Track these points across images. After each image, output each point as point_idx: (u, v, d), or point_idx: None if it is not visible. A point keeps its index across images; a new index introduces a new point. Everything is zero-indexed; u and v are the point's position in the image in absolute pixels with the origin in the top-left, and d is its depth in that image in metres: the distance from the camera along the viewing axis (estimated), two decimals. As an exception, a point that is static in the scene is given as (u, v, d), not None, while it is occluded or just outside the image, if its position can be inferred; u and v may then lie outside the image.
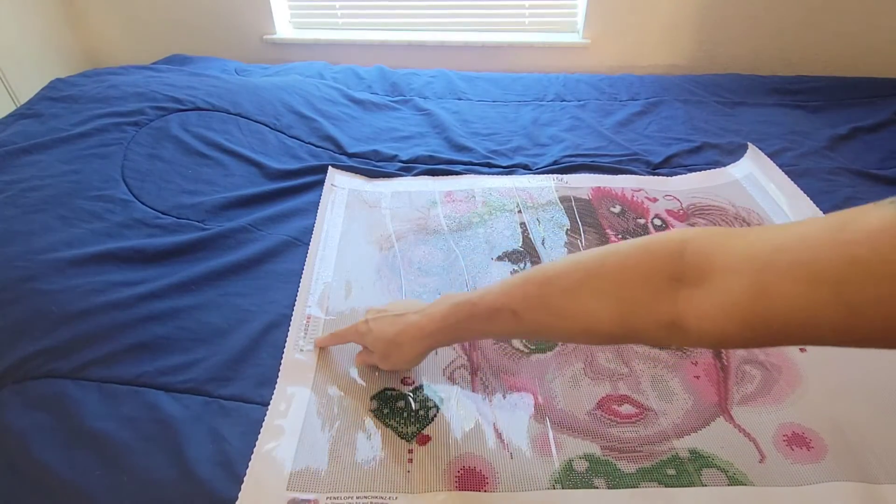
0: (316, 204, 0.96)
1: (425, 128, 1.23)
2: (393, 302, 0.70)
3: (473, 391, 0.66)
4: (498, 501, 0.55)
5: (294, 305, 0.76)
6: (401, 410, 0.64)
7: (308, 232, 0.90)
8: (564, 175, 1.05)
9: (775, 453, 0.59)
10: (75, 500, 0.55)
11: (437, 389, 0.66)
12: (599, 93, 1.40)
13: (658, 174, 1.07)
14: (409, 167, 1.08)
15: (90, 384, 0.63)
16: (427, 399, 0.65)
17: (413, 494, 0.55)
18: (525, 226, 0.92)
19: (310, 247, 0.86)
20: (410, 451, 0.59)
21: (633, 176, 1.05)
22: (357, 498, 0.55)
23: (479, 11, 1.76)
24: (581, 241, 0.89)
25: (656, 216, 0.95)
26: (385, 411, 0.64)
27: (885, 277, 0.29)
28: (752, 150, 1.09)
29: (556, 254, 0.87)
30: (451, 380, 0.67)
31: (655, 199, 0.98)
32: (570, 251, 0.87)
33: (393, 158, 1.11)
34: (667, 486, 0.56)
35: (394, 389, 0.66)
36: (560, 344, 0.72)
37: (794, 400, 0.65)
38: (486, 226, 0.93)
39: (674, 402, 0.64)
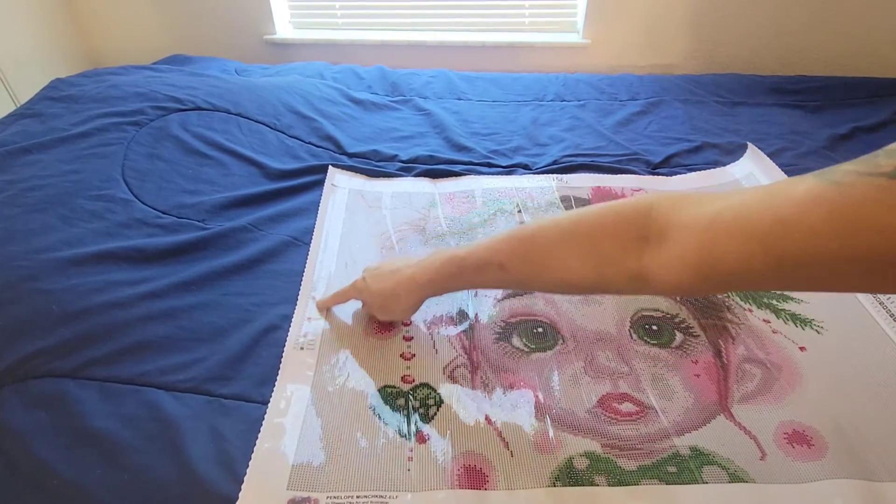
0: (316, 204, 0.96)
1: (425, 128, 1.24)
2: (386, 260, 0.78)
3: (473, 389, 0.66)
4: (498, 500, 0.55)
5: (294, 305, 0.76)
6: (401, 409, 0.64)
7: (308, 232, 0.90)
8: (564, 175, 1.06)
9: (776, 451, 0.59)
10: (76, 499, 0.55)
11: (438, 388, 0.66)
12: (599, 93, 1.40)
13: (658, 174, 1.07)
14: (409, 167, 1.08)
15: (91, 383, 0.63)
16: (427, 397, 0.65)
17: (413, 493, 0.55)
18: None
19: (310, 247, 0.86)
20: (410, 450, 0.59)
21: (633, 176, 1.05)
22: (357, 497, 0.55)
23: (479, 11, 1.76)
24: None
25: None
26: (385, 409, 0.64)
27: (804, 234, 0.34)
28: (752, 150, 1.10)
29: None
30: (452, 378, 0.67)
31: None
32: None
33: (393, 158, 1.11)
34: (668, 483, 0.56)
35: (394, 387, 0.66)
36: (560, 343, 0.72)
37: (795, 398, 0.65)
38: (487, 226, 0.93)
39: (674, 401, 0.65)
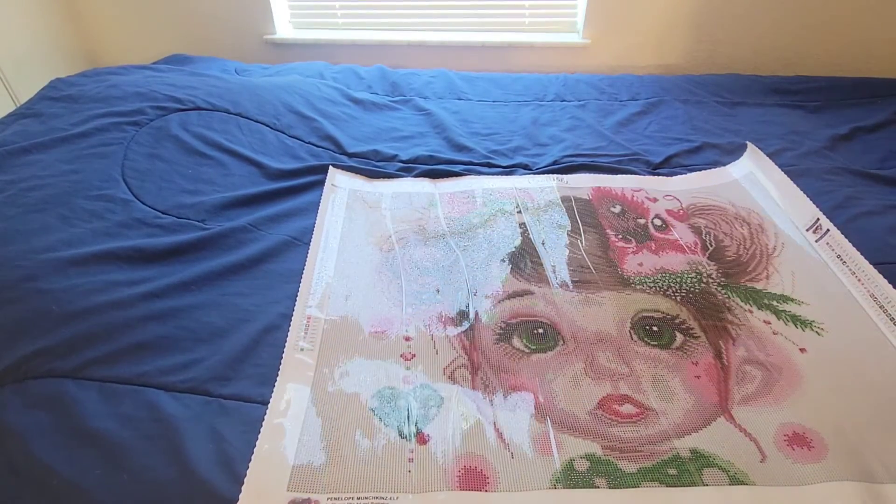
0: (316, 204, 0.96)
1: (425, 128, 1.23)
2: None
3: (474, 390, 0.66)
4: (499, 501, 0.55)
5: (294, 305, 0.76)
6: (401, 410, 0.64)
7: (308, 232, 0.90)
8: (565, 175, 1.05)
9: (776, 453, 0.59)
10: (75, 499, 0.55)
11: (438, 389, 0.66)
12: (599, 93, 1.40)
13: (658, 174, 1.07)
14: (409, 167, 1.08)
15: (90, 383, 0.63)
16: (428, 398, 0.65)
17: (414, 494, 0.55)
18: (525, 226, 0.92)
19: (310, 247, 0.86)
20: (411, 451, 0.59)
21: (633, 176, 1.05)
22: (358, 498, 0.55)
23: (479, 11, 1.75)
24: (581, 241, 0.89)
25: (656, 216, 0.95)
26: (385, 410, 0.63)
27: None
28: (752, 150, 1.09)
29: (556, 254, 0.86)
30: (452, 379, 0.67)
31: (655, 199, 0.98)
32: (570, 252, 0.87)
33: (393, 158, 1.11)
34: (668, 485, 0.56)
35: (394, 388, 0.66)
36: (561, 344, 0.72)
37: (795, 400, 0.65)
38: (487, 226, 0.93)
39: (674, 402, 0.64)
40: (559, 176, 1.05)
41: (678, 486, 0.56)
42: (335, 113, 1.25)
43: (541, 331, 0.73)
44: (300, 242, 0.88)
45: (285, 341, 0.71)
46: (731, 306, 0.77)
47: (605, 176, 1.05)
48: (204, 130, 1.09)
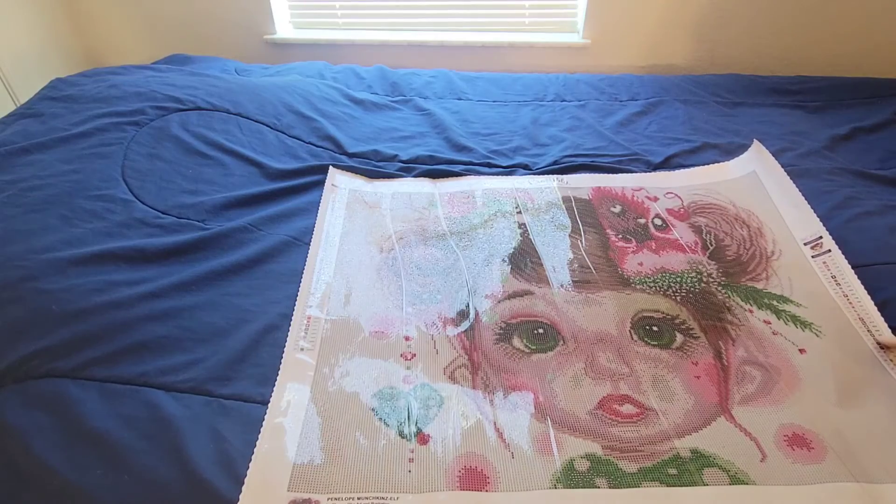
0: (316, 204, 0.96)
1: (425, 128, 1.23)
2: None
3: (474, 390, 0.66)
4: (499, 501, 0.55)
5: (294, 305, 0.76)
6: (401, 409, 0.64)
7: (308, 232, 0.90)
8: (565, 175, 1.05)
9: (776, 453, 0.59)
10: (76, 499, 0.55)
11: (438, 388, 0.66)
12: (599, 93, 1.40)
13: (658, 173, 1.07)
14: (410, 167, 1.08)
15: (90, 384, 0.63)
16: (428, 398, 0.65)
17: (414, 494, 0.55)
18: (525, 226, 0.92)
19: (310, 247, 0.86)
20: (411, 451, 0.59)
21: (634, 174, 1.05)
22: (358, 498, 0.55)
23: (479, 11, 1.76)
24: (581, 241, 0.89)
25: (657, 216, 0.95)
26: (386, 410, 0.64)
27: None
28: (757, 147, 1.08)
29: (557, 254, 0.86)
30: (452, 379, 0.67)
31: (656, 198, 0.98)
32: (571, 252, 0.87)
33: (393, 158, 1.11)
34: (669, 485, 0.56)
35: (394, 388, 0.66)
36: (561, 344, 0.72)
37: (794, 401, 0.65)
38: (487, 227, 0.93)
39: (675, 402, 0.64)
40: (559, 176, 1.05)
41: (678, 486, 0.56)
42: (335, 113, 1.25)
43: (541, 331, 0.73)
44: (300, 242, 0.88)
45: (285, 341, 0.71)
46: (731, 306, 0.77)
47: (606, 175, 1.05)
48: (204, 130, 1.09)
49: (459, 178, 1.05)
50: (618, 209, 0.96)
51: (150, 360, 0.67)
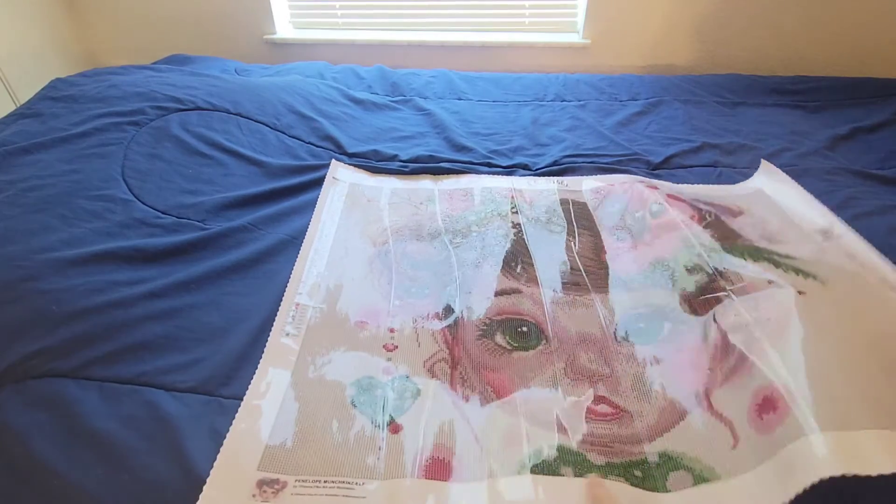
0: (316, 203, 0.96)
1: (425, 128, 1.23)
2: None
3: (451, 384, 0.66)
4: (460, 491, 0.55)
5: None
6: (377, 399, 0.64)
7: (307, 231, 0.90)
8: (565, 178, 1.05)
9: (748, 431, 0.58)
10: (76, 498, 0.55)
11: (416, 381, 0.67)
12: (599, 93, 1.40)
13: (658, 174, 1.07)
14: (409, 167, 1.08)
15: (90, 383, 0.63)
16: (405, 389, 0.65)
17: (379, 481, 0.56)
18: (520, 227, 0.92)
19: (306, 236, 0.87)
20: (382, 439, 0.60)
21: (632, 177, 1.05)
22: (325, 482, 0.56)
23: (479, 11, 1.76)
24: (575, 243, 0.89)
25: (655, 202, 0.92)
26: (362, 399, 0.64)
27: None
28: (765, 167, 1.05)
29: (549, 256, 0.86)
30: (431, 372, 0.68)
31: (656, 188, 0.96)
32: (563, 255, 0.86)
33: (393, 158, 1.11)
34: (632, 484, 0.56)
35: (373, 378, 0.67)
36: (543, 343, 0.71)
37: (779, 348, 0.62)
38: (482, 225, 0.93)
39: (651, 402, 0.64)
40: (560, 178, 1.05)
41: (640, 489, 0.56)
42: (335, 113, 1.25)
43: (525, 329, 0.73)
44: (300, 242, 0.88)
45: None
46: (723, 271, 0.75)
47: (606, 176, 1.05)
48: (204, 130, 1.09)
49: (459, 176, 1.05)
50: (616, 207, 0.96)
51: (149, 359, 0.67)
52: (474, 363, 0.69)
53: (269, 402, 0.63)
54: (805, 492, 0.50)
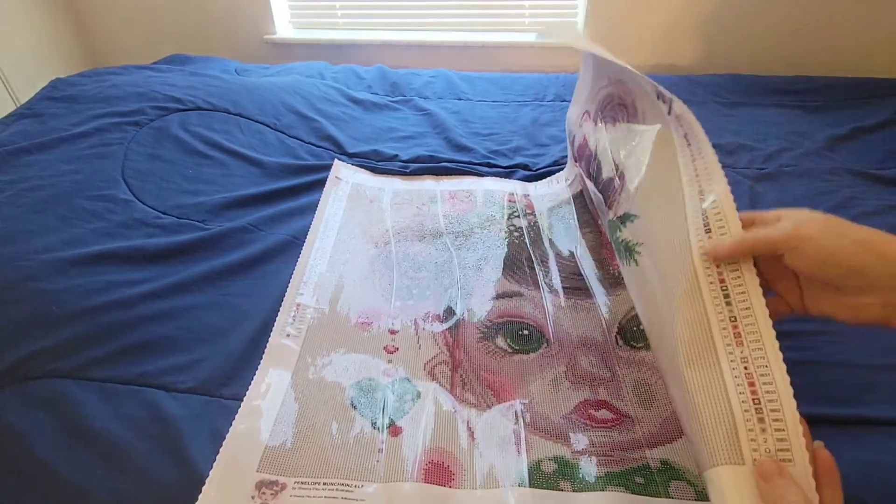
0: (317, 203, 0.96)
1: (425, 128, 1.23)
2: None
3: (452, 387, 0.66)
4: (461, 497, 0.55)
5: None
6: (377, 401, 0.64)
7: (308, 231, 0.90)
8: (567, 178, 1.05)
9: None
10: (76, 499, 0.55)
11: (416, 383, 0.66)
12: (599, 93, 1.40)
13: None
14: (410, 167, 1.08)
15: (91, 384, 0.63)
16: (405, 392, 0.65)
17: (378, 484, 0.56)
18: (522, 230, 0.92)
19: (307, 237, 0.86)
20: (382, 442, 0.60)
21: None
22: (324, 484, 0.56)
23: (480, 11, 1.76)
24: (578, 246, 0.88)
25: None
26: (362, 401, 0.64)
27: None
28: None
29: (550, 259, 0.86)
30: (431, 375, 0.68)
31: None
32: (564, 258, 0.86)
33: (393, 158, 1.11)
34: (633, 493, 0.55)
35: (373, 380, 0.67)
36: (544, 346, 0.71)
37: None
38: (484, 227, 0.93)
39: (653, 410, 0.63)
40: (561, 178, 1.05)
41: (643, 496, 0.55)
42: (335, 113, 1.25)
43: (526, 332, 0.73)
44: (301, 242, 0.88)
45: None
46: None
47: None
48: (204, 130, 1.10)
49: (462, 177, 1.05)
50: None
51: (150, 360, 0.67)
52: (475, 366, 0.69)
53: (269, 403, 0.63)
54: None
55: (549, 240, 0.90)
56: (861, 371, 0.66)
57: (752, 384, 0.44)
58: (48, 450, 0.57)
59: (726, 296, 0.48)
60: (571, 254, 0.87)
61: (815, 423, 0.44)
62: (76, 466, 0.56)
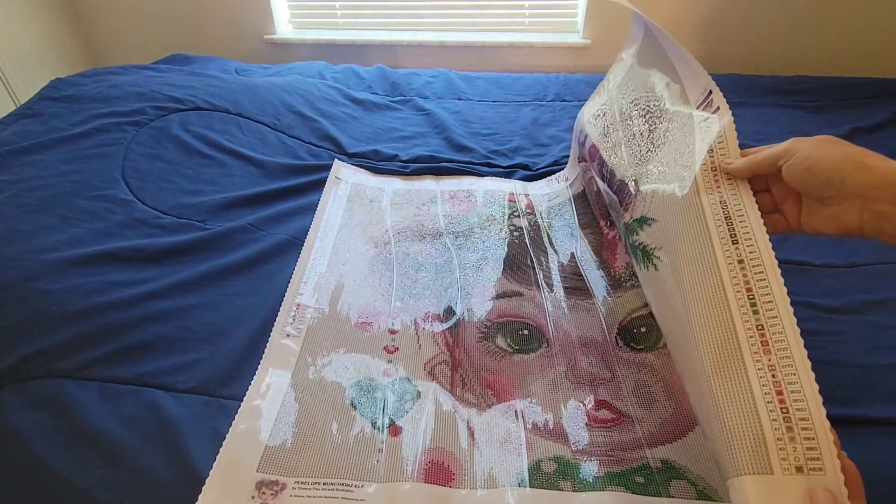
0: (317, 204, 0.96)
1: (425, 128, 1.23)
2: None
3: (452, 387, 0.66)
4: (461, 497, 0.55)
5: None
6: (377, 401, 0.64)
7: (308, 231, 0.90)
8: (568, 178, 1.05)
9: None
10: (76, 499, 0.55)
11: (416, 383, 0.66)
12: (599, 93, 1.40)
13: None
14: (410, 167, 1.08)
15: (91, 384, 0.63)
16: (405, 392, 0.65)
17: (378, 483, 0.56)
18: (522, 230, 0.92)
19: (307, 237, 0.86)
20: (382, 442, 0.60)
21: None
22: (324, 484, 0.56)
23: (479, 11, 1.76)
24: (578, 246, 0.88)
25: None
26: (362, 401, 0.64)
27: None
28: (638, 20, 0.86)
29: (550, 259, 0.85)
30: (432, 375, 0.68)
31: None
32: (565, 258, 0.86)
33: (393, 158, 1.11)
34: (633, 492, 0.55)
35: (373, 380, 0.67)
36: (544, 346, 0.71)
37: None
38: (484, 227, 0.92)
39: (653, 410, 0.63)
40: (559, 178, 1.05)
41: (643, 495, 0.55)
42: (335, 113, 1.25)
43: (526, 332, 0.73)
44: (301, 242, 0.88)
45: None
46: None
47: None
48: (204, 130, 1.10)
49: (462, 177, 1.05)
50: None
51: (150, 360, 0.67)
52: (475, 366, 0.69)
53: (269, 403, 0.63)
54: None
55: (550, 240, 0.90)
56: (861, 371, 0.66)
57: (779, 392, 0.43)
58: (48, 449, 0.57)
59: (753, 304, 0.48)
60: (572, 254, 0.87)
61: (815, 423, 0.43)
62: (76, 466, 0.56)
